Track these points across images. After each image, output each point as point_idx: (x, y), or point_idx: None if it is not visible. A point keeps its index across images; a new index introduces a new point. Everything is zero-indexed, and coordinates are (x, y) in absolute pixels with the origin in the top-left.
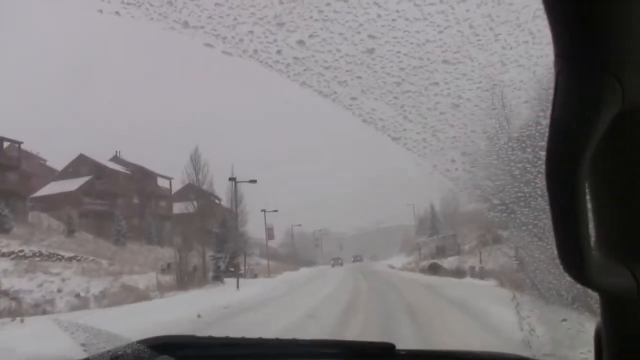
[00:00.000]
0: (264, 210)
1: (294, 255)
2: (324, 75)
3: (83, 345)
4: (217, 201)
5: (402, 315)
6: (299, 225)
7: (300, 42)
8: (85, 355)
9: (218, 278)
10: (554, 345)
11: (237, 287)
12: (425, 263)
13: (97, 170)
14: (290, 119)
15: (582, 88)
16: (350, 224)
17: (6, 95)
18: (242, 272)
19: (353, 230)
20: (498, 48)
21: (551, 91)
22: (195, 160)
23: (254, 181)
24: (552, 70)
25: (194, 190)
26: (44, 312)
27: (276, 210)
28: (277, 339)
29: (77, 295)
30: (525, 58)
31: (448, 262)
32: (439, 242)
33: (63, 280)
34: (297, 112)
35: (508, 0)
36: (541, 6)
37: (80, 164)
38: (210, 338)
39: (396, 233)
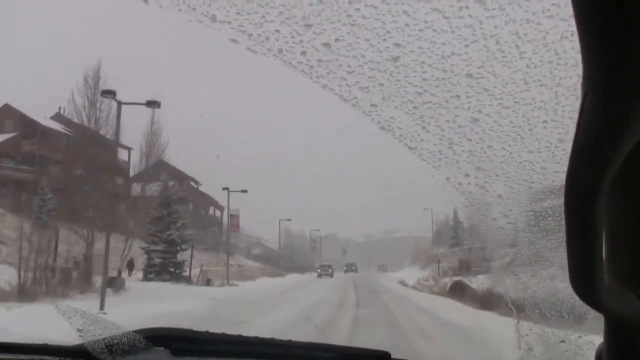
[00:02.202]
0: (226, 189)
1: (290, 258)
2: (347, 79)
3: (79, 331)
4: (194, 185)
5: None
6: (289, 219)
7: (326, 45)
8: (80, 341)
9: (113, 283)
10: None
11: (101, 307)
12: (447, 280)
13: (25, 126)
14: (301, 117)
15: (608, 111)
16: (358, 230)
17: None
18: (185, 274)
19: (361, 237)
20: (522, 66)
21: (571, 113)
22: (91, 83)
23: (152, 103)
24: (574, 92)
25: (166, 170)
26: None
27: (245, 191)
28: (273, 339)
29: None
30: (549, 78)
31: (477, 282)
32: (462, 255)
33: None
34: (308, 111)
35: (537, 19)
36: (569, 28)
37: (4, 117)
38: (207, 333)
39: (408, 242)
